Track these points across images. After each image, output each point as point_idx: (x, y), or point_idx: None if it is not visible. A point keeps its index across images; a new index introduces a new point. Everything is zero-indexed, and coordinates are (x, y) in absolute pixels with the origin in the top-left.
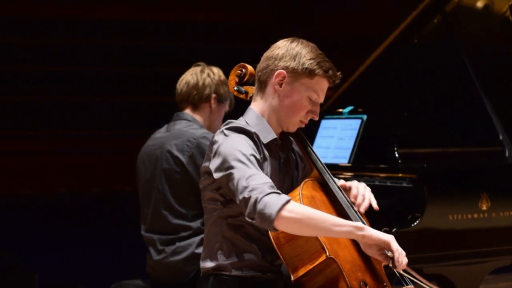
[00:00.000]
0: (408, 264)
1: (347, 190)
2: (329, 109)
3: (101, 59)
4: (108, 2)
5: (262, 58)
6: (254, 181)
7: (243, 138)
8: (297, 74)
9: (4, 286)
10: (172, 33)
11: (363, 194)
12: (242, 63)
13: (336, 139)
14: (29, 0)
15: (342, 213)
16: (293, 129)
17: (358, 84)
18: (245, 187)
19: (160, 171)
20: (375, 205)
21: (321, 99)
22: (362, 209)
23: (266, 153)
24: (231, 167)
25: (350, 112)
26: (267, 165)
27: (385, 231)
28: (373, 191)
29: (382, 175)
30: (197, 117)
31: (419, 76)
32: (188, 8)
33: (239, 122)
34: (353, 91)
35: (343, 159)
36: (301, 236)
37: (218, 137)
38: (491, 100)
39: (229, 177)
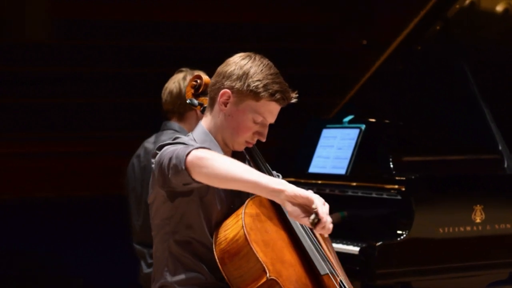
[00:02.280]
0: (395, 278)
1: None
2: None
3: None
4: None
5: (215, 73)
6: (176, 146)
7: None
8: (242, 95)
9: None
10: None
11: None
12: (197, 74)
13: (335, 149)
14: None
15: (291, 232)
16: (239, 148)
17: (363, 91)
18: (169, 152)
19: (147, 183)
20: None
21: (269, 121)
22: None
23: None
24: (161, 156)
25: (350, 121)
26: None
27: (370, 245)
28: (360, 202)
29: (368, 185)
30: (185, 126)
31: (420, 83)
32: (250, 9)
33: (185, 138)
34: (358, 99)
35: (341, 169)
36: (242, 256)
37: (158, 155)
38: (491, 107)
39: (160, 160)
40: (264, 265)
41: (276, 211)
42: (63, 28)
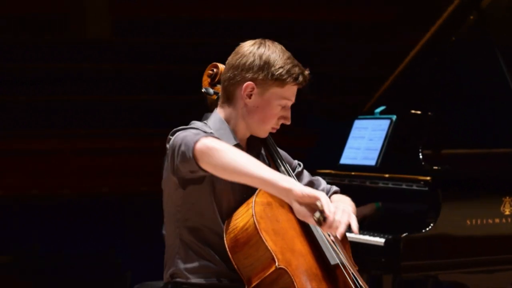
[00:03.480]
0: (421, 271)
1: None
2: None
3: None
4: None
5: (227, 65)
6: (189, 132)
7: (194, 131)
8: (267, 84)
9: (98, 283)
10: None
11: (339, 219)
12: (214, 63)
13: (367, 140)
14: None
15: (303, 222)
16: (264, 135)
17: (397, 83)
18: (180, 138)
19: None
20: (355, 228)
21: (292, 102)
22: (339, 235)
23: None
24: (174, 142)
25: (382, 112)
26: None
27: (395, 237)
28: (387, 194)
29: (397, 177)
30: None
31: (452, 76)
32: (306, 7)
33: (199, 124)
34: (391, 91)
35: (372, 161)
36: (252, 245)
37: (171, 139)
38: None
39: (172, 146)
40: (274, 254)
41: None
42: (123, 26)
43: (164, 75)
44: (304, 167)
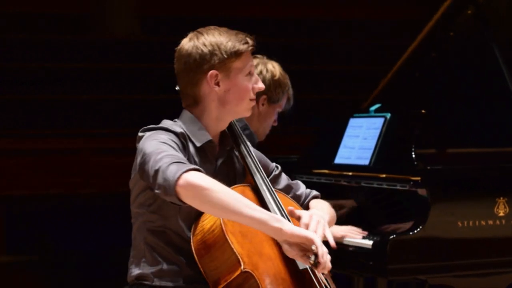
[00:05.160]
0: (409, 274)
1: (295, 218)
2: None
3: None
4: None
5: (179, 74)
6: (166, 155)
7: (163, 133)
8: (226, 63)
9: (121, 280)
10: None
11: (314, 231)
12: None
13: (361, 139)
14: None
15: None
16: (248, 113)
17: (393, 80)
18: (156, 162)
19: None
20: (332, 242)
21: (253, 65)
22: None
23: (196, 158)
24: (146, 154)
25: (377, 110)
26: None
27: (383, 239)
28: (377, 194)
29: (382, 176)
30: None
31: (451, 71)
32: (335, 5)
33: (169, 123)
34: (388, 88)
35: (365, 160)
36: (218, 247)
37: (140, 138)
38: None
39: (143, 163)
40: (239, 257)
41: (260, 201)
42: (150, 25)
43: None
44: (301, 166)
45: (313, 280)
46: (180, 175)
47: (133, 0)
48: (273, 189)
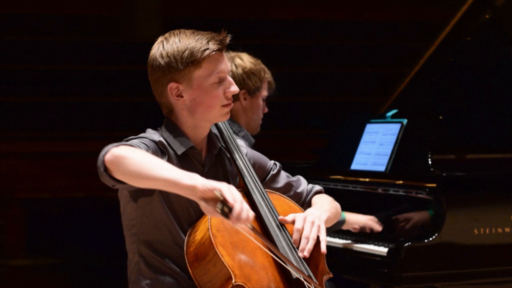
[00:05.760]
0: (423, 282)
1: (290, 223)
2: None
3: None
4: None
5: (151, 83)
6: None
7: (141, 141)
8: (186, 74)
9: None
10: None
11: (307, 236)
12: None
13: (377, 145)
14: None
15: (266, 231)
16: (223, 118)
17: (412, 84)
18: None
19: None
20: (323, 248)
21: (225, 70)
22: (306, 253)
23: (176, 163)
24: None
25: (393, 116)
26: None
27: (397, 246)
28: (393, 201)
29: (398, 183)
30: (233, 118)
31: (468, 76)
32: (360, 7)
33: (150, 132)
34: (406, 92)
35: (381, 166)
36: (209, 260)
37: None
38: None
39: None
40: (230, 270)
41: (251, 206)
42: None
43: None
44: (316, 171)
45: None
46: (108, 149)
47: (157, 2)
48: (265, 192)
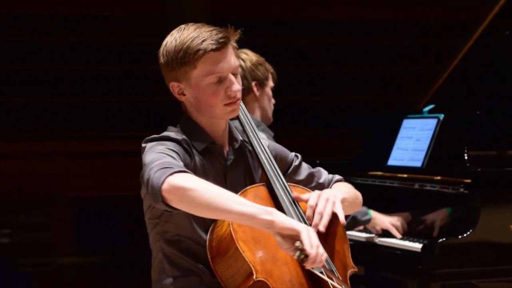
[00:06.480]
0: (458, 279)
1: (304, 202)
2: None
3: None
4: None
5: None
6: (155, 163)
7: (165, 145)
8: (183, 74)
9: None
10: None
11: (320, 211)
12: None
13: (414, 140)
14: None
15: None
16: (227, 116)
17: (448, 81)
18: (146, 173)
19: None
20: (342, 219)
21: (225, 70)
22: (322, 227)
23: (199, 161)
24: (144, 165)
25: (430, 111)
26: (202, 173)
27: (432, 242)
28: (429, 197)
29: (434, 178)
30: (249, 112)
31: (503, 73)
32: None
33: (172, 133)
34: (442, 88)
35: (418, 162)
36: (230, 256)
37: (143, 149)
38: None
39: (141, 174)
40: (251, 266)
41: (275, 203)
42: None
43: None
44: (355, 168)
45: (330, 284)
46: (164, 179)
47: (205, 3)
48: (287, 185)
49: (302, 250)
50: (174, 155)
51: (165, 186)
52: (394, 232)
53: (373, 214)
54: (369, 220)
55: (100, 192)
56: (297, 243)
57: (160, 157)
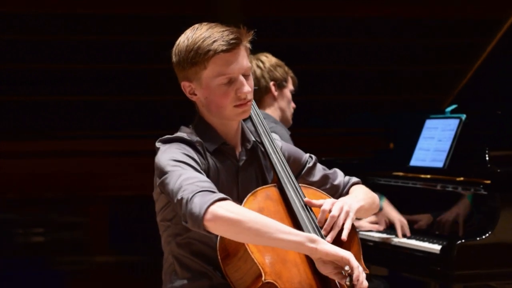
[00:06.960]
0: (477, 281)
1: (315, 206)
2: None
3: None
4: None
5: None
6: (187, 181)
7: (180, 147)
8: (193, 74)
9: None
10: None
11: (333, 216)
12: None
13: (436, 141)
14: None
15: (299, 227)
16: (237, 117)
17: (471, 81)
18: (178, 189)
19: None
20: (344, 234)
21: (236, 72)
22: (329, 239)
23: (212, 161)
24: (165, 173)
25: (453, 111)
26: (215, 174)
27: (450, 243)
28: (449, 198)
29: (456, 179)
30: (267, 111)
31: None
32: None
33: (185, 134)
34: (465, 88)
35: (439, 162)
36: (240, 257)
37: (158, 150)
38: None
39: (163, 184)
40: (260, 267)
41: (286, 204)
42: (254, 26)
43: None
44: (378, 168)
45: (343, 285)
46: (206, 209)
47: (239, 1)
48: (298, 187)
49: (351, 278)
50: (194, 163)
51: (208, 216)
52: (399, 230)
53: (384, 204)
54: (380, 209)
55: (132, 191)
56: (347, 268)
57: (183, 171)
